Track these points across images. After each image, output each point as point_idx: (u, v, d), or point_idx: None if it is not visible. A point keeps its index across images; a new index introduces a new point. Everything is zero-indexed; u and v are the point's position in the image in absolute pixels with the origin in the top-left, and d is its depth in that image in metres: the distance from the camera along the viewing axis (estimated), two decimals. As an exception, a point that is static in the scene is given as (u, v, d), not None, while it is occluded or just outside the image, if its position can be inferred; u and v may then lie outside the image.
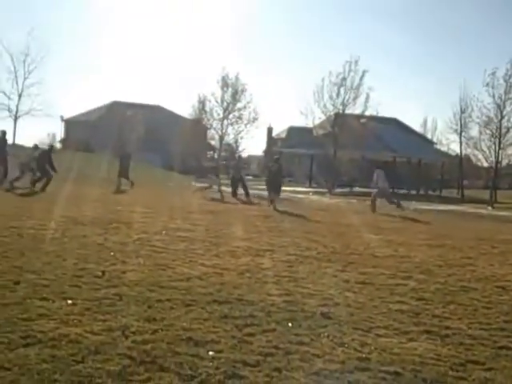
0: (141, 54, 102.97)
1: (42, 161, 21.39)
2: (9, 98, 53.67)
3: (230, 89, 48.96)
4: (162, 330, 5.42)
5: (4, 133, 23.94)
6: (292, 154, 52.71)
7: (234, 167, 27.20)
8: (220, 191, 23.74)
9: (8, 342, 4.80)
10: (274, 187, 21.95)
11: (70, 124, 63.39)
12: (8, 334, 4.97)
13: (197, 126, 50.79)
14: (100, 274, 7.47)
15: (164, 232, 11.55)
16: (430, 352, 5.35)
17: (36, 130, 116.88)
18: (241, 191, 25.07)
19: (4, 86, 54.28)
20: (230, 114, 49.10)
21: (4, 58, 53.92)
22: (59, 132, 67.82)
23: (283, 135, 67.56)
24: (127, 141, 49.13)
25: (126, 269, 7.92)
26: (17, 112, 53.50)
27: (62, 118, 62.43)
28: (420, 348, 5.45)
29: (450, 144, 58.04)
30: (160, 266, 8.26)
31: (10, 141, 27.20)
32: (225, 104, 48.89)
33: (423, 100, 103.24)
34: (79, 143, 50.53)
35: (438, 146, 63.82)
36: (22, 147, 39.53)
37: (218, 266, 8.64)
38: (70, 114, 64.95)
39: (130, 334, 5.21)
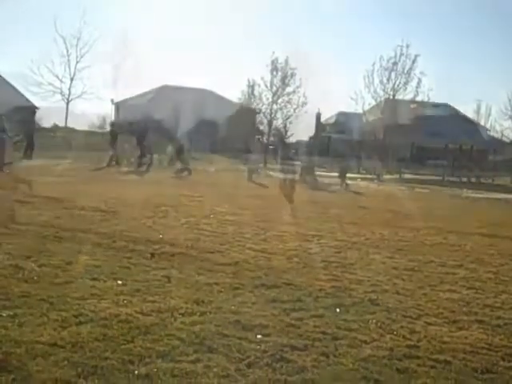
0: (191, 38, 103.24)
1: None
2: (61, 82, 54.78)
3: (279, 73, 48.78)
4: (210, 312, 5.46)
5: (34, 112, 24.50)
6: (340, 140, 52.19)
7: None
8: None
9: (61, 320, 4.91)
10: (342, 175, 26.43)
11: (120, 107, 64.02)
12: (61, 313, 5.09)
13: (245, 111, 50.75)
14: (149, 256, 7.57)
15: (212, 216, 11.61)
16: (480, 341, 5.27)
17: (87, 113, 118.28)
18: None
19: (57, 70, 55.24)
20: (279, 98, 48.96)
21: (57, 42, 55.10)
22: (110, 115, 68.70)
23: (332, 120, 66.91)
24: (176, 124, 49.49)
25: (174, 251, 8.00)
26: (69, 95, 54.54)
27: (112, 101, 63.19)
28: (471, 337, 5.36)
29: (504, 130, 56.77)
30: (208, 250, 8.31)
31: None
32: (274, 88, 48.78)
33: (477, 85, 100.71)
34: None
35: (492, 133, 62.36)
36: (73, 130, 40.29)
37: (266, 250, 8.66)
38: (120, 97, 65.65)
39: (178, 316, 5.27)
